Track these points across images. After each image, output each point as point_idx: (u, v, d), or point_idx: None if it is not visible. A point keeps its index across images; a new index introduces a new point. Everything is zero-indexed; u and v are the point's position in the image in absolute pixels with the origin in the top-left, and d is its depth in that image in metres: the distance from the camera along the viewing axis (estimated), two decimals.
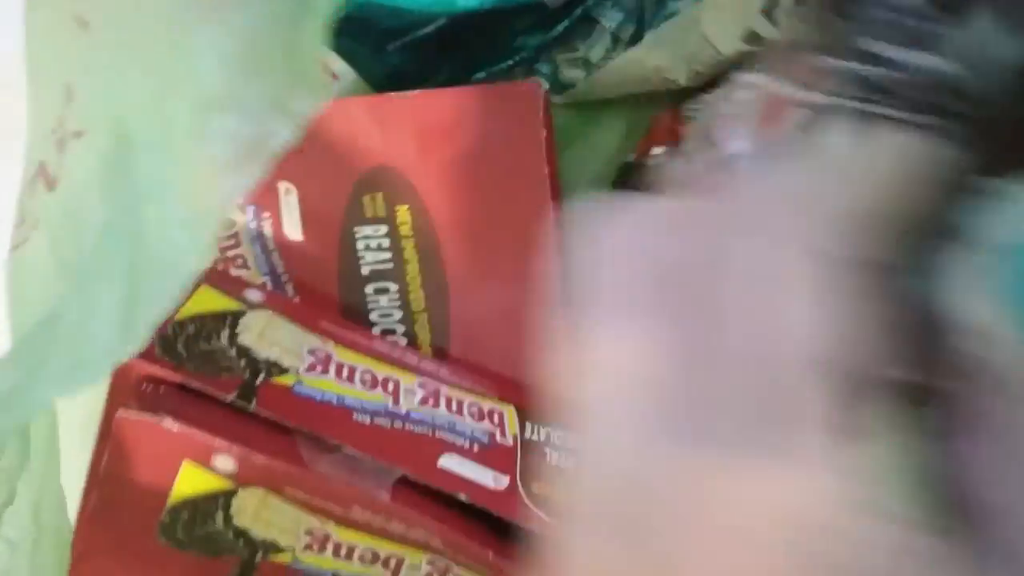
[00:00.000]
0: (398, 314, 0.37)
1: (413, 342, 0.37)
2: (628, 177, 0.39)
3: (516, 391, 0.34)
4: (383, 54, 0.39)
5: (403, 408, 0.32)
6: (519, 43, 0.40)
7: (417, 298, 0.37)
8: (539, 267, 0.35)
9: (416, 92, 0.36)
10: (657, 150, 0.39)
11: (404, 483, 0.31)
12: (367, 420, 0.31)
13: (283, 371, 0.32)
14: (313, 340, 0.33)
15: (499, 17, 0.38)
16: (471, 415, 0.33)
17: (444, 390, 0.33)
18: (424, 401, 0.33)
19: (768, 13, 0.36)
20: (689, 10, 0.38)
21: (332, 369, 0.33)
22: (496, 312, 0.36)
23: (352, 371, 0.33)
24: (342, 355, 0.33)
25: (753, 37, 0.35)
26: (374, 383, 0.33)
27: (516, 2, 0.37)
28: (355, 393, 0.32)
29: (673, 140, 0.38)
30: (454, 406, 0.33)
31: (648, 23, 0.40)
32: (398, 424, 0.32)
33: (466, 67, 0.40)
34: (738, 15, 0.37)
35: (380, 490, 0.30)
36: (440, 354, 0.37)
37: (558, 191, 0.36)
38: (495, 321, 0.36)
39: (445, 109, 0.35)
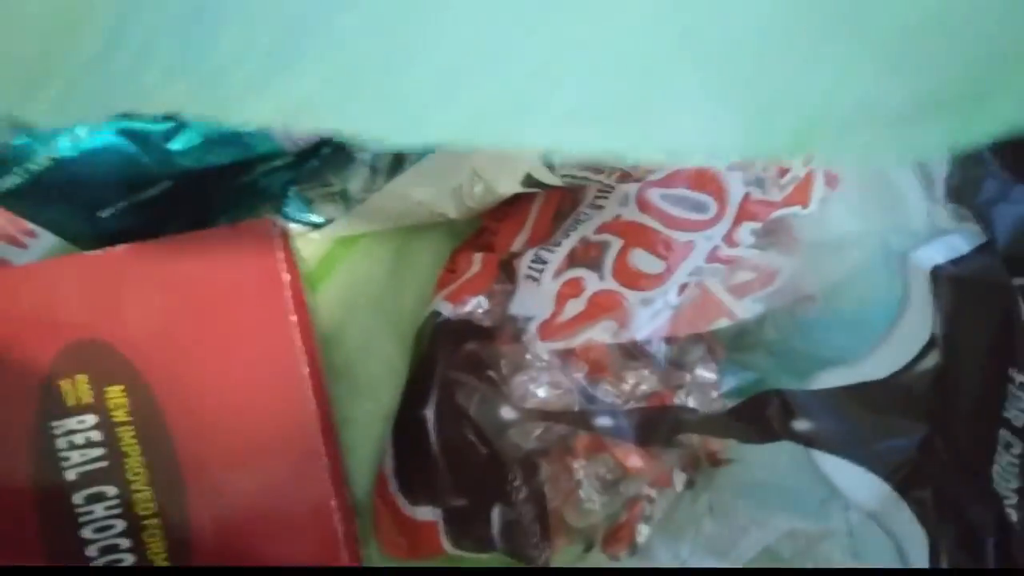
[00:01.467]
0: (120, 524, 0.29)
1: (143, 557, 0.29)
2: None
3: None
4: (93, 220, 0.33)
5: None
6: (263, 184, 0.35)
7: (144, 499, 0.29)
8: (300, 442, 0.28)
9: (124, 246, 0.29)
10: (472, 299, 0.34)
11: None
12: None
13: None
14: None
15: (235, 169, 0.33)
16: None
17: None
18: None
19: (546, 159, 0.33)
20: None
21: None
22: (246, 505, 0.28)
23: None
24: None
25: (532, 182, 0.33)
26: None
27: (249, 155, 0.32)
28: None
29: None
30: None
31: (407, 154, 0.36)
32: None
33: (200, 218, 0.34)
34: (515, 158, 0.34)
35: None
36: (182, 563, 0.29)
37: (311, 339, 0.30)
38: (246, 517, 0.28)
39: (162, 262, 0.29)
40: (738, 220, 0.32)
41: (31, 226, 0.32)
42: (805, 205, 0.30)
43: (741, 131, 0.14)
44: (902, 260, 0.23)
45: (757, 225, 0.32)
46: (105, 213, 0.32)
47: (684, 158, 0.26)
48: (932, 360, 0.22)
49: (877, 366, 0.23)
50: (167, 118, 0.30)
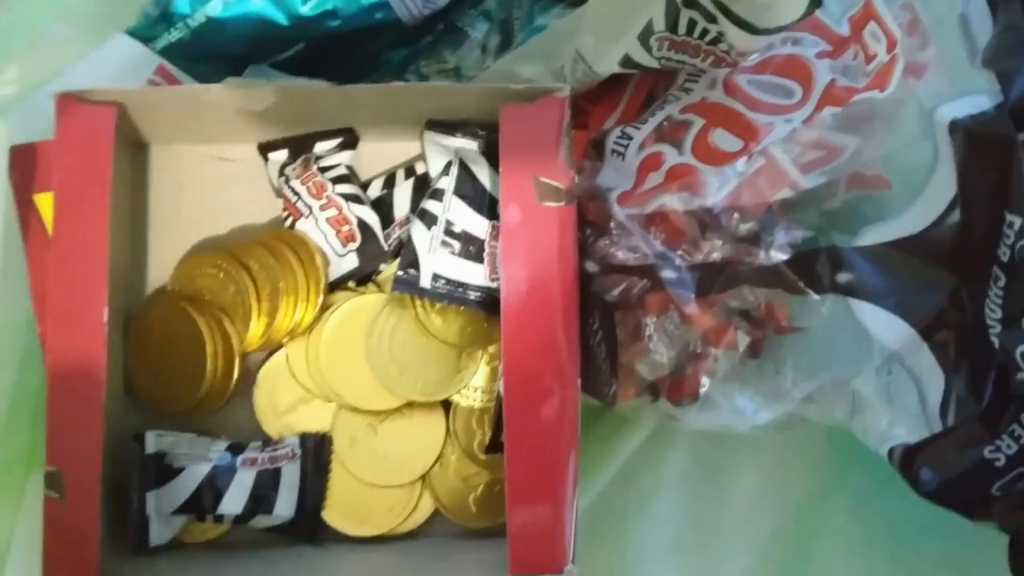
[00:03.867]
0: None
1: None
2: None
3: None
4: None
5: None
6: (384, 58, 0.39)
7: None
8: None
9: None
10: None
11: None
12: None
13: None
14: None
15: (359, 37, 0.37)
16: None
17: None
18: None
19: (644, 41, 0.35)
20: (559, 26, 0.38)
21: None
22: None
23: None
24: None
25: (630, 63, 0.35)
26: None
27: (371, 23, 0.37)
28: None
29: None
30: None
31: (516, 35, 0.39)
32: None
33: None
34: (615, 39, 0.36)
35: None
36: None
37: None
38: None
39: None
40: (820, 105, 0.34)
41: None
42: (883, 89, 0.31)
43: None
44: (932, 118, 0.25)
45: (837, 109, 0.34)
46: (251, 71, 0.37)
47: None
48: (956, 215, 0.24)
49: (912, 222, 0.25)
50: None
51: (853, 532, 0.36)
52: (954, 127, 0.24)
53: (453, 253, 0.36)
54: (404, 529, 0.38)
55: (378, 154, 0.40)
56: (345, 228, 0.37)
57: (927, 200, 0.25)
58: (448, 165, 0.37)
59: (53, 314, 0.32)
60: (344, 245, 0.37)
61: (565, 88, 0.32)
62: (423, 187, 0.38)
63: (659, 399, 0.37)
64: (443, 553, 0.38)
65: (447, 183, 0.36)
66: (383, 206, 0.39)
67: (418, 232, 0.36)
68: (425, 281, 0.36)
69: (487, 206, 0.36)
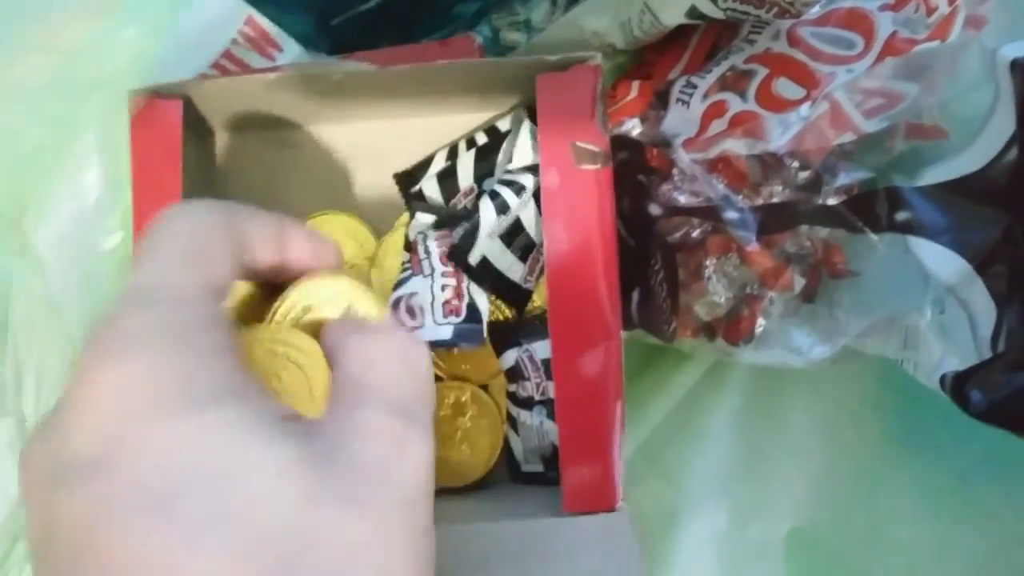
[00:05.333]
0: None
1: None
2: None
3: None
4: (327, 28, 0.41)
5: None
6: (456, 11, 0.41)
7: None
8: None
9: None
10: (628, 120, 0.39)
11: None
12: None
13: None
14: None
15: None
16: None
17: None
18: None
19: None
20: None
21: None
22: None
23: None
24: None
25: (696, 14, 0.36)
26: None
27: None
28: None
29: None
30: None
31: None
32: None
33: (405, 35, 0.41)
34: None
35: None
36: None
37: None
38: None
39: None
40: (881, 56, 0.35)
41: (278, 41, 0.40)
42: (944, 39, 0.32)
43: None
44: (994, 59, 0.26)
45: (899, 59, 0.35)
46: (335, 21, 0.39)
47: None
48: (1014, 153, 0.25)
49: (970, 162, 0.26)
50: None
51: (907, 466, 0.37)
52: (1015, 66, 0.25)
53: (507, 246, 0.37)
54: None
55: (422, 128, 0.41)
56: (455, 302, 0.38)
57: (985, 140, 0.26)
58: (536, 167, 0.37)
59: None
60: (445, 316, 0.37)
61: (597, 56, 0.34)
62: (484, 157, 0.40)
63: (716, 339, 0.39)
64: (500, 494, 0.40)
65: (530, 182, 0.37)
66: (448, 178, 0.41)
67: (487, 215, 0.37)
68: (474, 259, 0.37)
69: None
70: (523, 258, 0.37)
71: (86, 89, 0.38)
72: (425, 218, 0.40)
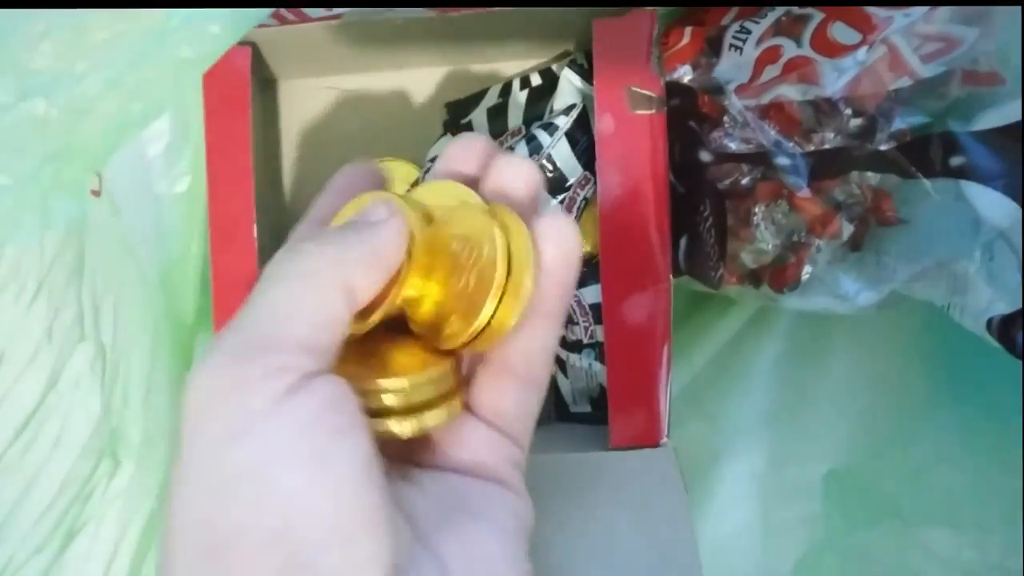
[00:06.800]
0: None
1: None
2: None
3: None
4: None
5: None
6: None
7: None
8: None
9: None
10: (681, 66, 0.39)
11: None
12: None
13: None
14: None
15: None
16: None
17: None
18: None
19: None
20: None
21: None
22: None
23: None
24: None
25: None
26: None
27: None
28: None
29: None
30: None
31: None
32: None
33: None
34: None
35: None
36: None
37: None
38: None
39: None
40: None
41: None
42: None
43: None
44: None
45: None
46: None
47: None
48: None
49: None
50: None
51: (947, 410, 0.38)
52: None
53: None
54: None
55: (478, 75, 0.42)
56: None
57: None
58: (571, 108, 0.38)
59: (213, 234, 0.36)
60: None
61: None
62: (536, 99, 0.40)
63: (761, 286, 0.40)
64: (549, 432, 0.42)
65: (563, 122, 0.38)
66: (498, 115, 0.41)
67: (520, 154, 0.37)
68: None
69: (588, 157, 0.38)
70: (555, 195, 0.38)
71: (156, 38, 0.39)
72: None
